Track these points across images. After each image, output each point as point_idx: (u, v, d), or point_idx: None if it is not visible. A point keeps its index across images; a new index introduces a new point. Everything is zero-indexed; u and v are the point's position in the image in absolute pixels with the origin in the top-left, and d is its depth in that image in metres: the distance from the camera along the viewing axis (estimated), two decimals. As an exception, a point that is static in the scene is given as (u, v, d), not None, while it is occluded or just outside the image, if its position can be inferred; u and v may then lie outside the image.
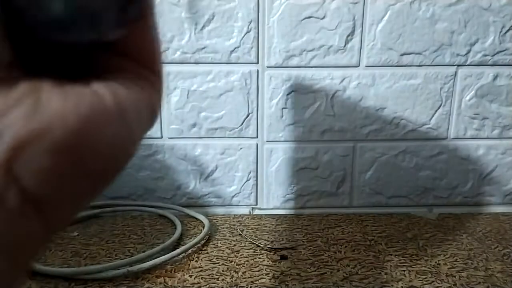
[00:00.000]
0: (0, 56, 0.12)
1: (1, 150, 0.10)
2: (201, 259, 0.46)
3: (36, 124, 0.11)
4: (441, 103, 0.58)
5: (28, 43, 0.12)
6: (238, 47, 0.55)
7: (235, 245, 0.50)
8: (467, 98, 0.58)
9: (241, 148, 0.59)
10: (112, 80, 0.14)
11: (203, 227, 0.53)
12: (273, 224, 0.56)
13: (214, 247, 0.49)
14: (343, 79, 0.57)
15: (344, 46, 0.56)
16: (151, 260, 0.44)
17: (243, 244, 0.50)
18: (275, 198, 0.61)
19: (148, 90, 0.16)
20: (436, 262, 0.45)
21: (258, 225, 0.56)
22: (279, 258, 0.46)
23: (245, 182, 0.60)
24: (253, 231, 0.54)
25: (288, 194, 0.61)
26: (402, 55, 0.56)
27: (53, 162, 0.11)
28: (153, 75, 0.16)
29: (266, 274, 0.43)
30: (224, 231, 0.54)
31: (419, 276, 0.43)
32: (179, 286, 0.41)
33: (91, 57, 0.15)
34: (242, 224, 0.56)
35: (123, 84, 0.14)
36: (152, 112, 0.16)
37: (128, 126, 0.14)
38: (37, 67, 0.12)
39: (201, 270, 0.44)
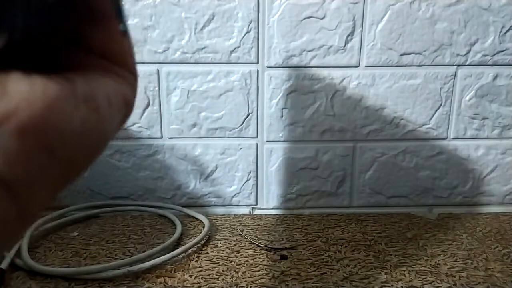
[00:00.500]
0: None
1: None
2: (201, 259, 0.46)
3: (1, 108, 0.11)
4: (441, 103, 0.58)
5: None
6: (238, 47, 0.56)
7: (235, 245, 0.50)
8: (467, 98, 0.58)
9: (241, 148, 0.59)
10: (81, 73, 0.14)
11: (203, 227, 0.53)
12: (273, 224, 0.56)
13: (214, 247, 0.49)
14: (343, 79, 0.57)
15: (344, 46, 0.56)
16: (151, 260, 0.44)
17: (243, 244, 0.50)
18: (275, 198, 0.61)
19: (120, 82, 0.16)
20: (436, 262, 0.45)
21: (258, 225, 0.56)
22: (279, 258, 0.46)
23: (245, 182, 0.60)
24: (253, 231, 0.54)
25: (288, 194, 0.61)
26: (402, 55, 0.56)
27: (20, 145, 0.11)
28: (126, 71, 0.17)
29: (266, 274, 0.43)
30: (224, 231, 0.54)
31: (419, 276, 0.43)
32: (179, 286, 0.41)
33: (63, 56, 0.15)
34: (242, 224, 0.56)
35: (93, 77, 0.15)
36: (125, 103, 0.16)
37: (98, 111, 0.14)
38: (7, 62, 0.13)
39: (201, 270, 0.44)
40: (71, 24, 0.15)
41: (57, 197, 0.14)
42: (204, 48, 0.55)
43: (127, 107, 0.17)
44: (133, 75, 0.17)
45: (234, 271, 0.44)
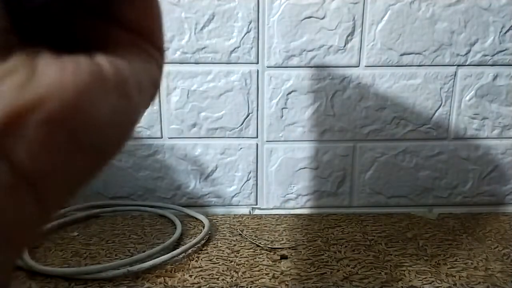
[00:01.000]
0: None
1: None
2: (201, 259, 0.46)
3: (30, 94, 0.10)
4: (441, 103, 0.58)
5: (22, 12, 0.12)
6: (238, 47, 0.56)
7: (235, 245, 0.50)
8: (467, 98, 0.58)
9: (241, 148, 0.59)
10: (112, 52, 0.13)
11: (203, 227, 0.53)
12: (273, 224, 0.56)
13: (214, 247, 0.49)
14: (343, 79, 0.57)
15: (344, 46, 0.56)
16: (151, 260, 0.44)
17: (243, 244, 0.50)
18: (275, 198, 0.61)
19: (150, 63, 0.15)
20: (436, 262, 0.45)
21: (258, 225, 0.56)
22: (279, 258, 0.46)
23: (245, 182, 0.60)
24: (253, 231, 0.54)
25: (288, 194, 0.61)
26: (402, 55, 0.56)
27: (47, 136, 0.11)
28: (155, 50, 0.16)
29: (266, 274, 0.43)
30: (224, 231, 0.54)
31: (419, 276, 0.43)
32: (179, 286, 0.41)
33: (91, 30, 0.14)
34: (242, 224, 0.56)
35: (123, 56, 0.14)
36: (153, 85, 0.15)
37: (129, 98, 0.13)
38: (35, 38, 0.12)
39: (201, 270, 0.44)
40: None
41: (83, 188, 0.13)
42: (204, 48, 0.55)
43: (155, 89, 0.16)
44: (162, 54, 0.16)
45: (234, 271, 0.44)
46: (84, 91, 0.11)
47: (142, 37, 0.15)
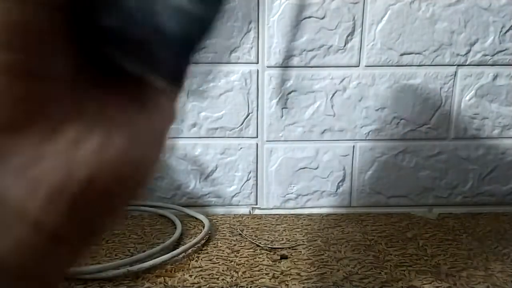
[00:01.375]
0: (61, 69, 0.10)
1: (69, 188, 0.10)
2: (201, 259, 0.46)
3: (105, 159, 0.10)
4: (441, 103, 0.58)
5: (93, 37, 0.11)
6: (238, 47, 0.55)
7: (235, 245, 0.50)
8: (467, 98, 0.58)
9: (241, 148, 0.59)
10: (153, 111, 0.13)
11: (203, 227, 0.53)
12: (273, 224, 0.56)
13: (214, 247, 0.49)
14: (343, 79, 0.57)
15: (344, 46, 0.56)
16: (151, 260, 0.44)
17: (243, 244, 0.50)
18: (275, 198, 0.61)
19: (173, 108, 0.15)
20: (436, 262, 0.45)
21: (258, 225, 0.56)
22: (279, 258, 0.46)
23: (245, 182, 0.60)
24: (253, 231, 0.54)
25: (288, 194, 0.61)
26: (402, 55, 0.56)
27: (79, 209, 0.11)
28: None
29: (266, 274, 0.43)
30: (224, 231, 0.54)
31: (419, 276, 0.43)
32: (179, 286, 0.41)
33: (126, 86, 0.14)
34: (242, 224, 0.56)
35: (160, 110, 0.13)
36: (170, 128, 0.15)
37: (156, 156, 0.13)
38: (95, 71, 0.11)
39: (201, 270, 0.44)
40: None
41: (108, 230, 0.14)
42: (204, 48, 0.55)
43: (171, 126, 0.16)
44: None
45: (234, 271, 0.44)
46: (145, 158, 0.11)
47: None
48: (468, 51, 0.56)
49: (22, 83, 0.09)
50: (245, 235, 0.53)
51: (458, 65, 0.57)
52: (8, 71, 0.09)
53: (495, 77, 0.57)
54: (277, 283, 0.41)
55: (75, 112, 0.10)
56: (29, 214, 0.10)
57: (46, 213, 0.10)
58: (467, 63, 0.57)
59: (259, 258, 0.46)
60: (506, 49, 0.56)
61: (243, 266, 0.45)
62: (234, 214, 0.60)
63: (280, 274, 0.43)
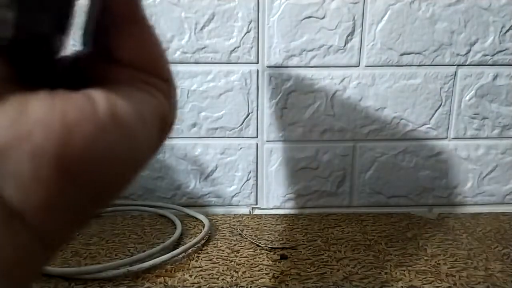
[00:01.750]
0: None
1: None
2: (201, 259, 0.46)
3: (17, 130, 0.10)
4: (441, 103, 0.58)
5: (24, 59, 0.12)
6: (238, 47, 0.56)
7: (235, 245, 0.50)
8: (467, 98, 0.58)
9: (241, 148, 0.59)
10: (111, 88, 0.13)
11: (203, 227, 0.53)
12: (273, 224, 0.56)
13: (214, 247, 0.49)
14: (343, 79, 0.57)
15: (344, 46, 0.56)
16: (151, 260, 0.44)
17: (243, 244, 0.50)
18: (275, 198, 0.61)
19: (155, 95, 0.15)
20: (436, 262, 0.45)
21: (258, 225, 0.56)
22: (279, 258, 0.46)
23: (245, 182, 0.60)
24: (253, 231, 0.54)
25: (288, 194, 0.61)
26: (402, 55, 0.56)
27: (36, 170, 0.11)
28: (161, 81, 0.16)
29: (266, 274, 0.43)
30: (224, 231, 0.54)
31: (419, 276, 0.43)
32: (179, 286, 0.41)
33: (93, 70, 0.15)
34: (242, 224, 0.56)
35: (124, 91, 0.14)
36: (160, 118, 0.15)
37: (131, 136, 0.13)
38: (39, 84, 0.12)
39: (201, 270, 0.44)
40: (95, 33, 0.14)
41: (88, 224, 0.13)
42: (204, 48, 0.55)
43: (164, 122, 0.15)
44: (169, 84, 0.16)
45: (234, 271, 0.44)
46: (72, 125, 0.11)
47: (145, 72, 0.15)
48: (468, 51, 0.56)
49: None
50: (245, 235, 0.53)
51: (458, 65, 0.57)
52: None
53: (495, 77, 0.57)
54: (277, 283, 0.41)
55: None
56: None
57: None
58: (467, 63, 0.57)
59: (259, 258, 0.46)
60: (506, 49, 0.56)
61: (243, 266, 0.45)
62: (234, 214, 0.60)
63: (280, 274, 0.43)
